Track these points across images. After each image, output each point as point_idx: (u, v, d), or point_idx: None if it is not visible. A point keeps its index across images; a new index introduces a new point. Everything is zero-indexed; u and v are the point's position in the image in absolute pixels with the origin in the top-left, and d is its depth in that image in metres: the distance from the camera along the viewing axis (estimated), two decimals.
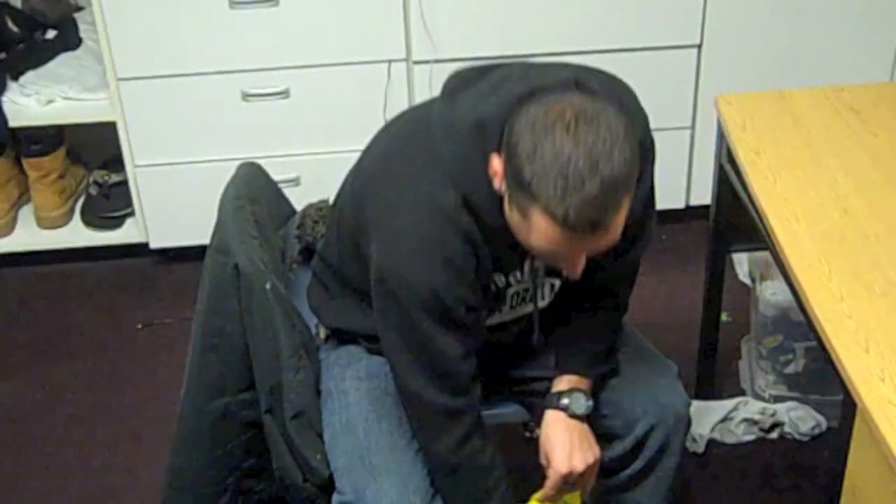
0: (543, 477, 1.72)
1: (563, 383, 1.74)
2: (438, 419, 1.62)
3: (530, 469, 1.73)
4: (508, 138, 1.40)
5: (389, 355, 1.62)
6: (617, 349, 1.80)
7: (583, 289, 1.78)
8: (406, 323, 1.55)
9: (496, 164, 1.44)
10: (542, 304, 1.75)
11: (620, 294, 1.81)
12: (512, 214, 1.45)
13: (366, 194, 1.61)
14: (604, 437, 1.79)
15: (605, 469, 1.81)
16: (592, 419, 1.76)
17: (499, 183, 1.45)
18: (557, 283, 1.74)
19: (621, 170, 1.36)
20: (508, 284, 1.67)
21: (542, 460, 1.72)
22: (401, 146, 1.61)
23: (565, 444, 1.68)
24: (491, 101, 1.48)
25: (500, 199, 1.48)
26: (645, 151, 1.60)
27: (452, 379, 1.60)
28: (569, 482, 1.70)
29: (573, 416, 1.70)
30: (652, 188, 1.71)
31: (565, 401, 1.71)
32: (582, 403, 1.71)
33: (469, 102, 1.50)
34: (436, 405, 1.61)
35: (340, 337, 1.82)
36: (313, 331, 1.84)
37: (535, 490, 1.73)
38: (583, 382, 1.74)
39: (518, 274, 1.66)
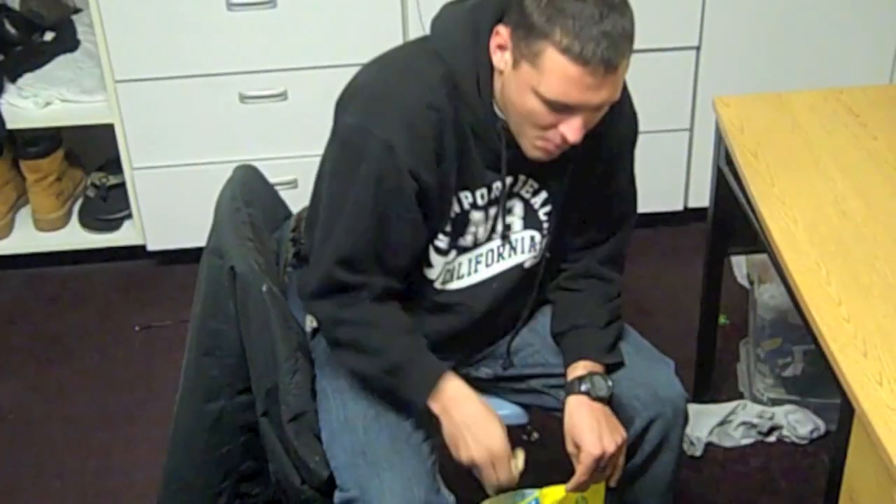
0: (555, 473, 1.71)
1: (578, 369, 1.73)
2: (327, 287, 1.64)
3: (530, 471, 1.73)
4: (517, 6, 1.46)
5: (322, 214, 1.63)
6: (620, 340, 1.80)
7: (573, 274, 1.80)
8: (354, 182, 1.58)
9: (503, 31, 1.50)
10: (523, 257, 1.75)
11: (612, 281, 1.81)
12: (518, 77, 1.48)
13: (349, 86, 1.64)
14: None
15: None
16: None
17: (501, 55, 1.51)
18: (538, 236, 1.73)
19: (629, 21, 1.45)
20: (475, 205, 1.67)
21: (570, 448, 1.70)
22: (394, 50, 1.68)
23: (594, 426, 1.67)
24: None
25: (486, 81, 1.54)
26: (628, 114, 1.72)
27: (371, 260, 1.62)
28: (600, 466, 1.68)
29: (596, 398, 1.70)
30: (632, 159, 1.77)
31: (586, 385, 1.70)
32: (602, 385, 1.71)
33: (466, 1, 1.59)
34: (335, 278, 1.62)
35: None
36: (304, 325, 1.83)
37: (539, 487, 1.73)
38: (597, 367, 1.74)
39: (485, 192, 1.66)
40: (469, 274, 1.73)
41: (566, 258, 1.81)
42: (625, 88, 1.68)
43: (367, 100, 1.59)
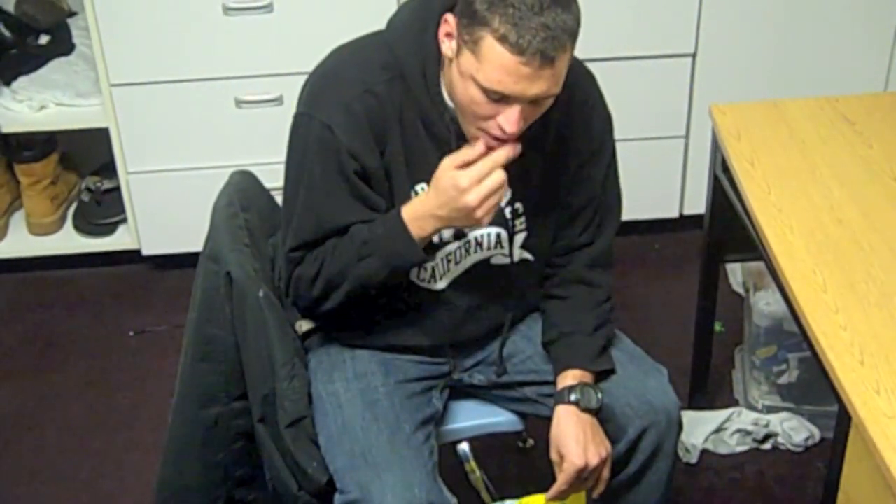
0: (550, 478, 1.71)
1: (569, 378, 1.73)
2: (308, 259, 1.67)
3: (525, 478, 1.73)
4: None
5: (286, 207, 1.69)
6: (611, 347, 1.80)
7: (560, 280, 1.80)
8: (302, 164, 1.64)
9: (450, 20, 1.52)
10: (489, 254, 1.74)
11: (600, 287, 1.81)
12: (460, 62, 1.50)
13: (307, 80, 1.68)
14: None
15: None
16: None
17: (449, 42, 1.52)
18: (504, 233, 1.73)
19: (573, 17, 1.46)
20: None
21: (554, 456, 1.71)
22: (349, 43, 1.71)
23: (579, 437, 1.68)
24: None
25: (434, 70, 1.57)
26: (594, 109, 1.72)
27: (331, 233, 1.65)
28: (581, 477, 1.69)
29: (585, 409, 1.70)
30: (614, 155, 1.77)
31: (575, 395, 1.71)
32: (592, 397, 1.71)
33: None
34: (308, 245, 1.66)
35: (317, 331, 1.81)
36: (297, 329, 1.83)
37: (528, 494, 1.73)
38: (587, 377, 1.74)
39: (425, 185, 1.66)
40: (444, 273, 1.74)
41: (552, 262, 1.81)
42: (597, 88, 1.71)
43: (312, 87, 1.65)
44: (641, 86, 2.83)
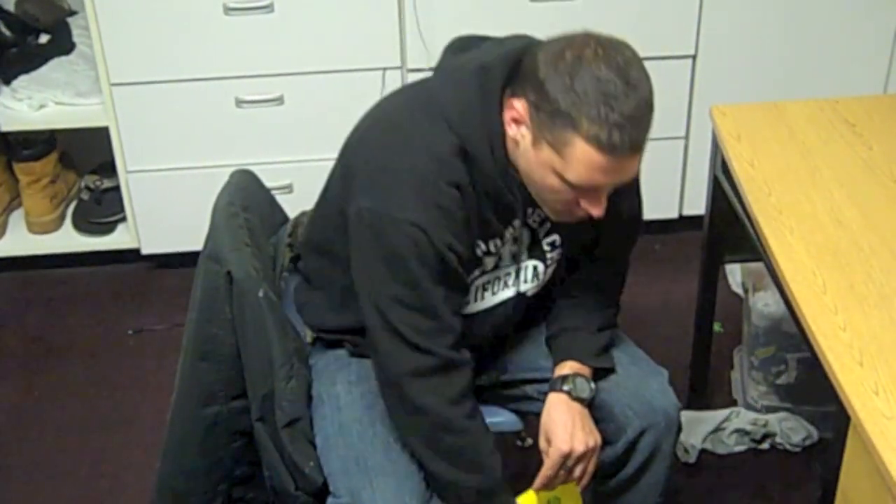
0: (524, 484, 1.71)
1: (565, 368, 1.74)
2: (439, 370, 1.59)
3: (525, 478, 1.73)
4: (535, 75, 1.43)
5: (371, 300, 1.57)
6: (612, 347, 1.81)
7: (573, 282, 1.80)
8: (396, 266, 1.54)
9: (518, 106, 1.47)
10: (525, 287, 1.75)
11: (612, 291, 1.82)
12: (538, 156, 1.47)
13: (358, 150, 1.62)
14: None
15: (596, 473, 1.80)
16: None
17: (517, 129, 1.48)
18: (541, 266, 1.73)
19: (650, 89, 1.44)
20: (488, 251, 1.66)
21: (542, 444, 1.70)
22: (398, 105, 1.63)
23: (567, 423, 1.68)
24: (494, 52, 1.52)
25: (500, 149, 1.51)
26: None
27: (440, 330, 1.58)
28: (567, 466, 1.68)
29: (577, 398, 1.70)
30: (638, 180, 1.75)
31: (568, 384, 1.71)
32: (585, 387, 1.71)
33: (471, 55, 1.55)
34: (438, 356, 1.58)
35: (325, 339, 1.81)
36: (301, 334, 1.83)
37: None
38: (584, 370, 1.74)
39: (498, 241, 1.66)
40: (476, 301, 1.72)
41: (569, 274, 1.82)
42: None
43: (380, 179, 1.54)
44: None
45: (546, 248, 1.72)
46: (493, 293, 1.73)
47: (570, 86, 1.40)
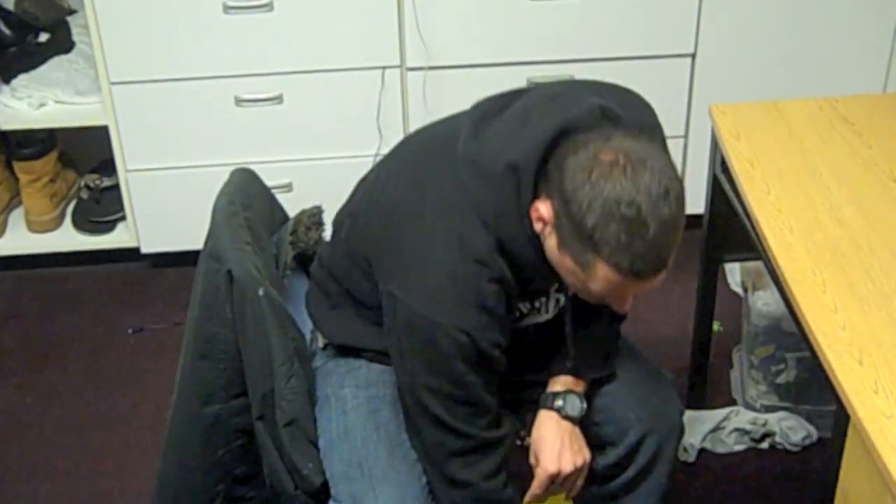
0: (532, 479, 1.72)
1: (558, 384, 1.74)
2: (477, 449, 1.61)
3: (524, 477, 1.73)
4: (561, 185, 1.40)
5: (412, 385, 1.58)
6: (613, 356, 1.80)
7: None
8: (438, 362, 1.53)
9: (543, 210, 1.44)
10: (546, 317, 1.75)
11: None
12: (563, 259, 1.45)
13: (387, 220, 1.58)
14: (596, 444, 1.79)
15: (597, 476, 1.81)
16: (585, 426, 1.76)
17: (543, 227, 1.45)
18: (563, 297, 1.73)
19: (679, 208, 1.40)
20: (533, 308, 1.68)
21: (532, 459, 1.72)
22: (429, 176, 1.57)
23: (555, 443, 1.69)
24: (521, 141, 1.47)
25: (536, 240, 1.48)
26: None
27: (481, 414, 1.60)
28: (556, 482, 1.70)
29: (566, 417, 1.71)
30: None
31: (559, 402, 1.71)
32: (576, 405, 1.71)
33: (497, 140, 1.49)
34: (477, 438, 1.60)
35: (340, 349, 1.81)
36: (308, 336, 1.83)
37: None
38: (578, 384, 1.74)
39: (543, 298, 1.68)
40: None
41: None
42: (663, 133, 1.66)
43: (418, 276, 1.52)
44: (641, 86, 2.79)
45: None
46: (520, 324, 1.73)
47: (594, 207, 1.37)
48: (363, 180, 1.74)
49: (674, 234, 1.40)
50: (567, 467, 1.68)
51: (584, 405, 1.72)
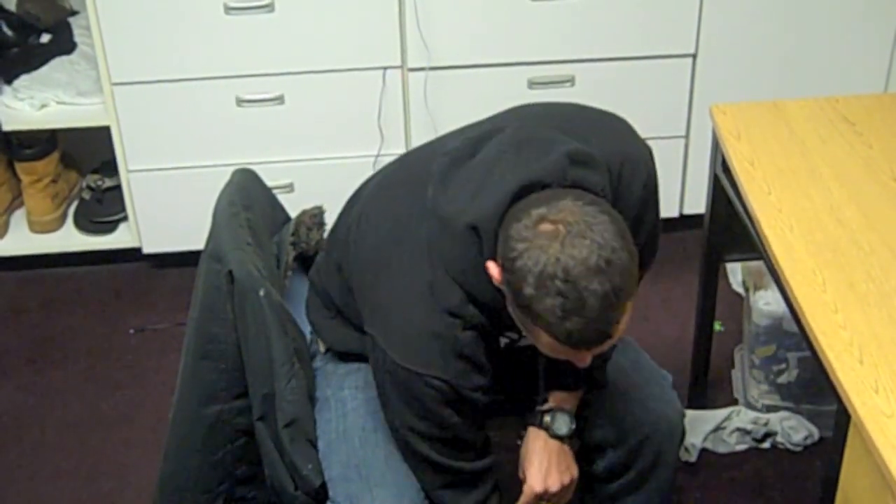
0: (520, 490, 1.72)
1: (549, 400, 1.73)
2: (467, 481, 1.63)
3: (518, 481, 1.73)
4: (504, 252, 1.39)
5: (399, 427, 1.59)
6: (607, 363, 1.79)
7: None
8: (421, 408, 1.54)
9: (494, 271, 1.43)
10: None
11: None
12: (515, 316, 1.44)
13: (368, 273, 1.59)
14: (597, 446, 1.79)
15: (599, 478, 1.81)
16: (586, 429, 1.76)
17: (500, 283, 1.44)
18: None
19: (621, 280, 1.35)
20: (521, 336, 1.65)
21: (520, 474, 1.73)
22: (404, 224, 1.57)
23: (542, 463, 1.69)
24: (482, 199, 1.45)
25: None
26: (648, 194, 1.63)
27: (474, 447, 1.62)
28: (543, 499, 1.71)
29: (554, 436, 1.71)
30: (656, 227, 1.70)
31: (547, 419, 1.71)
32: (563, 425, 1.71)
33: (462, 194, 1.48)
34: (464, 471, 1.62)
35: (341, 354, 1.81)
36: (309, 338, 1.83)
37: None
38: (568, 400, 1.73)
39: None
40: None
41: None
42: (649, 157, 1.64)
43: (394, 327, 1.53)
44: (642, 86, 2.83)
45: None
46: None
47: (529, 279, 1.34)
48: (356, 195, 1.74)
49: (614, 307, 1.35)
50: (553, 486, 1.69)
51: (573, 425, 1.71)
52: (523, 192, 1.41)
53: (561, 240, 1.33)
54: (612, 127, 1.62)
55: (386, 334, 1.53)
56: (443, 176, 1.52)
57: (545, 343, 1.40)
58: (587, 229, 1.34)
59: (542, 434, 1.71)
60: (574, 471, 1.72)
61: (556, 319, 1.34)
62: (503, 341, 1.64)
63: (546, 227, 1.35)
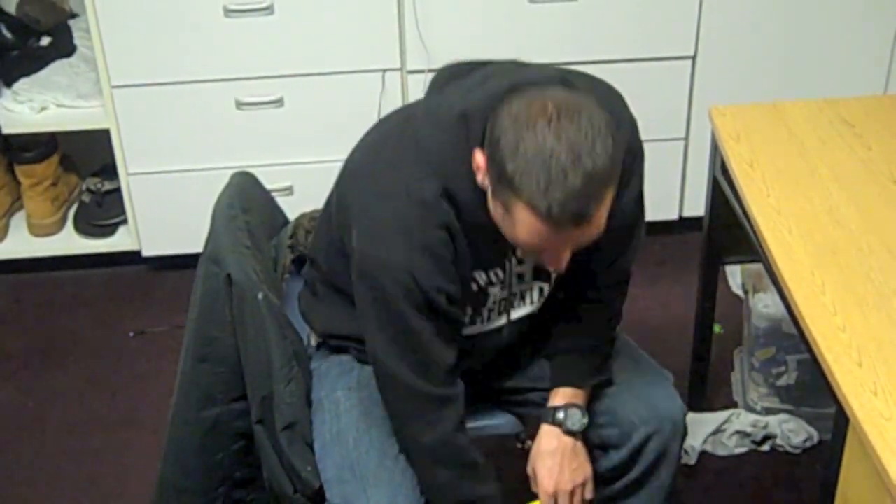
0: (527, 486, 1.72)
1: (558, 397, 1.73)
2: (434, 406, 1.62)
3: (523, 480, 1.73)
4: (491, 133, 1.41)
5: (370, 342, 1.61)
6: (611, 359, 1.80)
7: (573, 297, 1.78)
8: (386, 309, 1.55)
9: (479, 158, 1.46)
10: (530, 308, 1.74)
11: (612, 304, 1.81)
12: (496, 208, 1.46)
13: (350, 186, 1.62)
14: (600, 446, 1.79)
15: (602, 478, 1.80)
16: (589, 429, 1.76)
17: (482, 177, 1.47)
18: (546, 287, 1.73)
19: (604, 163, 1.37)
20: (490, 282, 1.67)
21: (529, 471, 1.73)
22: (387, 139, 1.62)
23: (553, 465, 1.70)
24: (476, 94, 1.49)
25: (483, 192, 1.49)
26: (633, 158, 1.62)
27: (433, 366, 1.60)
28: (559, 500, 1.70)
29: (567, 432, 1.70)
30: (641, 195, 1.71)
31: (560, 416, 1.71)
32: (577, 419, 1.71)
33: (456, 95, 1.52)
34: (415, 390, 1.60)
35: (331, 345, 1.81)
36: (305, 340, 1.84)
37: (527, 499, 1.73)
38: (578, 396, 1.73)
39: (500, 272, 1.66)
40: (481, 322, 1.72)
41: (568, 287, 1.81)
42: (627, 113, 1.64)
43: (372, 225, 1.55)
44: (641, 88, 2.81)
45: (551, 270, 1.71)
46: (500, 313, 1.73)
47: (516, 151, 1.37)
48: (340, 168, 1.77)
49: (597, 188, 1.37)
50: (566, 486, 1.69)
51: (586, 419, 1.72)
52: (516, 90, 1.44)
53: (549, 117, 1.36)
54: (607, 89, 1.64)
55: (360, 233, 1.55)
56: (439, 85, 1.57)
57: (523, 221, 1.40)
58: (576, 112, 1.37)
59: (555, 431, 1.71)
60: (588, 469, 1.72)
61: (538, 191, 1.35)
62: (474, 286, 1.64)
63: (536, 105, 1.38)
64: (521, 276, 1.70)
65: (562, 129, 1.35)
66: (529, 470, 1.72)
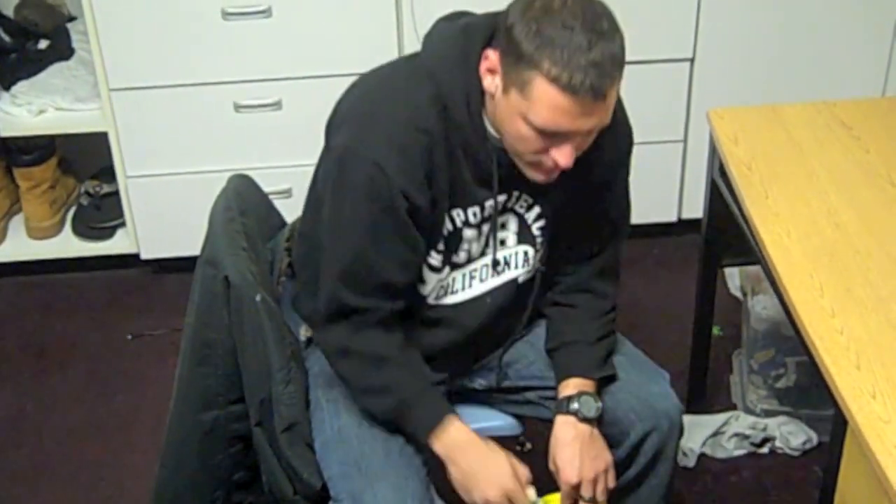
0: (551, 482, 1.72)
1: (569, 388, 1.73)
2: (334, 310, 1.65)
3: (538, 481, 1.73)
4: (505, 25, 1.46)
5: (323, 237, 1.64)
6: (613, 352, 1.80)
7: (567, 287, 1.80)
8: (343, 198, 1.58)
9: (491, 56, 1.50)
10: (515, 273, 1.74)
11: (607, 295, 1.81)
12: (507, 101, 1.48)
13: (343, 99, 1.66)
14: None
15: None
16: None
17: (492, 78, 1.50)
18: (531, 251, 1.73)
19: (619, 46, 1.44)
20: (467, 222, 1.66)
21: (551, 466, 1.72)
22: (388, 64, 1.68)
23: (574, 454, 1.69)
24: (482, 16, 1.58)
25: (476, 111, 1.54)
26: (626, 152, 1.73)
27: (391, 287, 1.63)
28: (583, 489, 1.70)
29: (584, 419, 1.70)
30: (628, 173, 1.76)
31: (575, 405, 1.70)
32: (592, 406, 1.71)
33: (462, 19, 1.59)
34: (381, 312, 1.63)
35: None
36: (296, 333, 1.83)
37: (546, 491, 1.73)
38: (588, 385, 1.74)
39: (477, 210, 1.65)
40: (463, 289, 1.73)
41: (560, 270, 1.81)
42: (619, 101, 1.67)
43: (356, 120, 1.60)
44: (639, 90, 2.81)
45: (536, 232, 1.72)
46: (482, 280, 1.73)
47: (535, 31, 1.42)
48: None
49: (613, 65, 1.43)
50: (589, 474, 1.69)
51: (600, 405, 1.72)
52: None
53: (561, 5, 1.43)
54: None
55: (346, 130, 1.59)
56: (438, 23, 1.63)
57: (540, 99, 1.44)
58: (588, 6, 1.44)
59: (570, 420, 1.70)
60: (608, 455, 1.72)
61: (561, 60, 1.41)
62: (448, 225, 1.64)
63: None
64: (503, 242, 1.71)
65: (577, 12, 1.42)
66: (551, 464, 1.71)
